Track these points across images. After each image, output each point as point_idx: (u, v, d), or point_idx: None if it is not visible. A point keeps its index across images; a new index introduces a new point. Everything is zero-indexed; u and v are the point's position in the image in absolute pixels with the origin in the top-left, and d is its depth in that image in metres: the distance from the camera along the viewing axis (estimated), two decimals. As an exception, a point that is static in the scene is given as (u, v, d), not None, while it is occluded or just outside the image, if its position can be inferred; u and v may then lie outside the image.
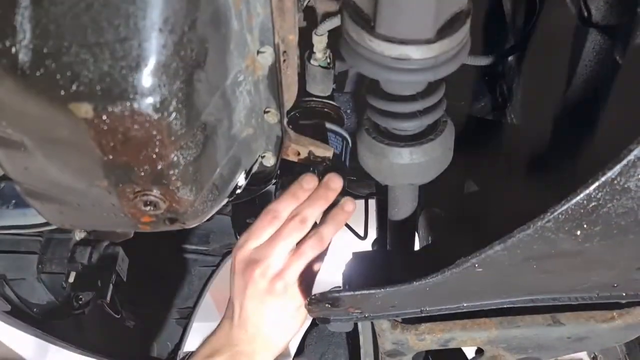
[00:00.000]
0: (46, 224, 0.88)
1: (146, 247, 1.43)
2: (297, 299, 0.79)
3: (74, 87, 0.48)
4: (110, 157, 0.54)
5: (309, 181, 0.78)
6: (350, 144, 0.96)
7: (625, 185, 0.55)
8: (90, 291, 1.15)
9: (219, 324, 0.83)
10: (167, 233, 0.69)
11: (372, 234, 1.19)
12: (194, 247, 1.52)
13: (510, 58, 1.24)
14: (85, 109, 0.49)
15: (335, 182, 0.78)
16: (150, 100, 0.50)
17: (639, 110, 0.64)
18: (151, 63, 0.49)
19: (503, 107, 1.26)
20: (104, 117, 0.50)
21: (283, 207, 0.78)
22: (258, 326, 0.79)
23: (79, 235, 1.16)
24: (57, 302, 1.17)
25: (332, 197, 0.79)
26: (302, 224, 0.77)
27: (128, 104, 0.49)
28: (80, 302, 1.15)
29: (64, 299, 1.16)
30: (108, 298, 1.14)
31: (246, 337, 0.80)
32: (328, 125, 0.89)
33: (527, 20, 1.10)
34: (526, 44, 1.06)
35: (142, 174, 0.57)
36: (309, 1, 0.92)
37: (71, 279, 1.14)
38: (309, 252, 0.77)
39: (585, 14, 0.83)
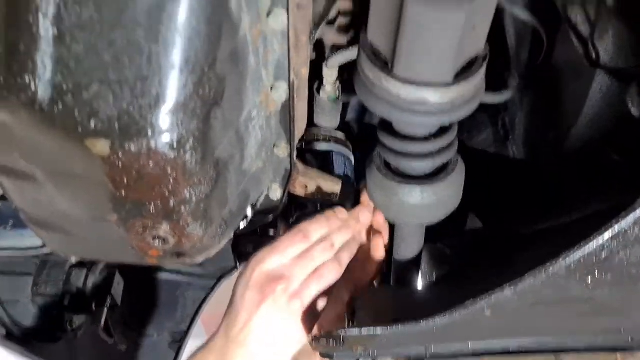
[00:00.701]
0: (44, 246, 0.87)
1: (140, 269, 1.42)
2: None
3: (92, 124, 0.48)
4: (123, 192, 0.53)
5: (342, 212, 0.81)
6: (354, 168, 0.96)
7: (639, 235, 0.55)
8: (84, 315, 1.13)
9: (209, 339, 0.78)
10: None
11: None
12: (188, 270, 1.50)
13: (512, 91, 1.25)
14: (101, 146, 0.49)
15: (366, 217, 0.81)
16: (167, 138, 0.50)
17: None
18: (170, 102, 0.48)
19: (505, 140, 1.26)
20: (120, 154, 0.49)
21: (315, 229, 0.78)
22: (262, 343, 0.75)
23: (75, 258, 1.14)
24: (50, 325, 1.14)
25: (361, 231, 0.81)
26: (331, 249, 0.78)
27: (145, 142, 0.49)
28: (74, 326, 1.13)
29: (57, 321, 1.14)
30: (102, 322, 1.12)
31: (245, 354, 0.75)
32: (334, 147, 0.89)
33: (531, 55, 1.11)
34: (531, 80, 1.07)
35: (154, 209, 0.56)
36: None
37: (66, 302, 1.12)
38: (328, 275, 0.77)
39: (593, 54, 0.83)
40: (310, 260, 0.76)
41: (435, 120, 0.58)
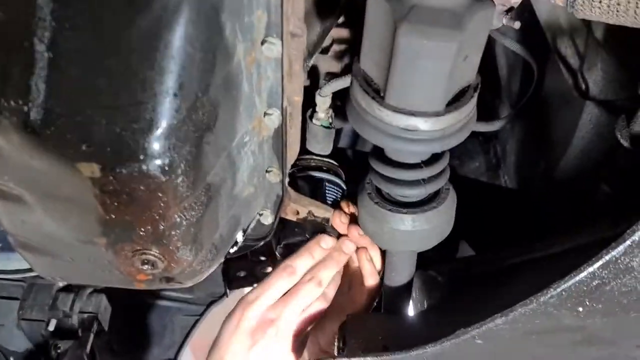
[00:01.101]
0: (31, 270, 0.85)
1: (129, 294, 1.40)
2: None
3: (83, 147, 0.48)
4: (112, 216, 0.53)
5: (327, 242, 0.81)
6: (345, 196, 0.96)
7: (629, 265, 0.56)
8: (70, 340, 1.11)
9: None
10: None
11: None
12: (177, 295, 1.48)
13: (503, 120, 1.26)
14: (92, 169, 0.49)
15: (348, 247, 0.81)
16: (159, 162, 0.49)
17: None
18: (163, 126, 0.48)
19: (496, 168, 1.27)
20: (111, 178, 0.49)
21: (300, 264, 0.79)
22: None
23: (62, 282, 1.13)
24: (35, 350, 1.12)
25: (344, 260, 0.81)
26: (318, 287, 0.78)
27: (136, 165, 0.49)
28: (59, 351, 1.11)
29: (42, 347, 1.12)
30: (88, 348, 1.10)
31: None
32: (326, 175, 0.89)
33: (522, 85, 1.13)
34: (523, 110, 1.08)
35: (143, 233, 0.56)
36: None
37: (51, 327, 1.10)
38: (317, 313, 0.80)
39: (583, 86, 0.85)
40: (299, 300, 0.77)
41: (426, 148, 0.58)
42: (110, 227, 0.55)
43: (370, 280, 0.83)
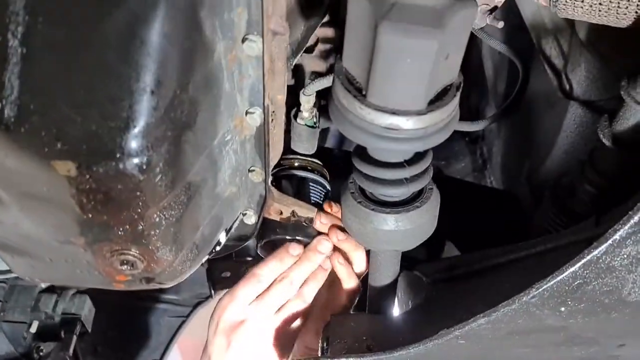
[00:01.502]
0: (10, 271, 0.84)
1: (113, 295, 1.38)
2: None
3: (58, 145, 0.47)
4: (90, 215, 0.52)
5: (295, 248, 0.82)
6: (330, 196, 0.95)
7: (611, 264, 0.56)
8: (52, 342, 1.09)
9: None
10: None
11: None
12: (163, 296, 1.47)
13: (490, 121, 1.27)
14: (68, 167, 0.48)
15: (324, 247, 0.82)
16: (136, 161, 0.49)
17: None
18: (140, 124, 0.48)
19: (483, 168, 1.27)
20: (87, 176, 0.48)
21: (267, 271, 0.81)
22: None
23: (45, 283, 1.11)
24: (16, 353, 1.10)
25: (319, 260, 0.82)
26: (290, 286, 0.80)
27: (113, 164, 0.48)
28: (41, 354, 1.10)
29: (24, 349, 1.10)
30: (71, 350, 1.08)
31: None
32: (310, 175, 0.88)
33: (509, 85, 1.13)
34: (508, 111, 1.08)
35: (122, 233, 0.55)
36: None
37: (33, 329, 1.08)
38: (293, 311, 0.81)
39: (567, 86, 0.85)
40: (270, 299, 0.80)
41: (409, 147, 0.57)
42: (88, 226, 0.54)
43: (348, 282, 0.83)
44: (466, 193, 1.10)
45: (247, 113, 0.63)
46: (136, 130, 0.47)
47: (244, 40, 0.56)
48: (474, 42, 1.31)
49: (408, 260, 0.88)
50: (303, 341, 0.82)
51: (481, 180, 1.25)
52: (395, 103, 0.55)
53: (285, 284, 0.80)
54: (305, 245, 0.83)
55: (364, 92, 0.56)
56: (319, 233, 0.83)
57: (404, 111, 0.55)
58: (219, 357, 0.79)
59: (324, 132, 1.29)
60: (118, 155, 0.48)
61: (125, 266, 0.59)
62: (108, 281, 0.62)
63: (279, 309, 0.80)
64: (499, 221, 1.03)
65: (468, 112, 1.10)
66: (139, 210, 0.52)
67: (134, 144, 0.48)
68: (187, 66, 0.49)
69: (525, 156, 1.06)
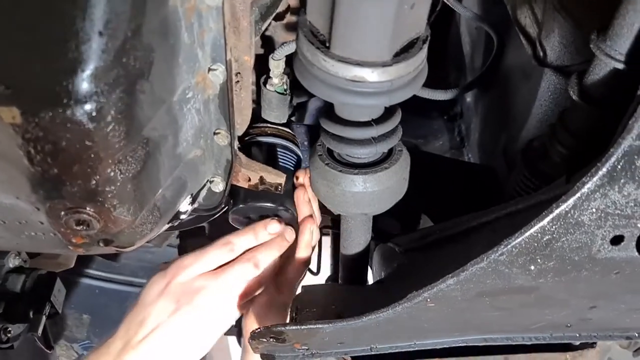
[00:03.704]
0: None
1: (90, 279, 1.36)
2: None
3: (1, 89, 0.44)
4: (39, 168, 0.50)
5: (274, 227, 0.80)
6: (301, 164, 0.93)
7: (579, 219, 0.54)
8: (20, 323, 1.07)
9: (106, 341, 0.75)
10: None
11: (325, 270, 1.15)
12: (140, 280, 1.44)
13: (468, 99, 1.26)
14: (13, 114, 0.46)
15: (291, 236, 0.81)
16: (86, 107, 0.46)
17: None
18: (89, 68, 0.45)
19: (460, 146, 1.26)
20: (33, 124, 0.46)
21: (242, 243, 0.78)
22: (164, 354, 0.73)
23: (13, 263, 1.08)
24: (-17, 335, 1.07)
25: (285, 248, 0.81)
26: (255, 269, 0.77)
27: (60, 110, 0.46)
28: (9, 335, 1.07)
29: (-9, 331, 1.07)
30: (40, 331, 1.05)
31: None
32: (281, 141, 0.86)
33: (485, 60, 1.12)
34: (483, 83, 1.07)
35: (75, 189, 0.52)
36: (267, 28, 0.91)
37: (0, 309, 1.05)
38: (250, 293, 0.79)
39: (541, 54, 0.84)
40: (231, 275, 0.76)
41: (375, 101, 0.56)
42: (39, 181, 0.52)
43: (303, 251, 0.82)
44: (442, 167, 1.09)
45: (209, 70, 0.61)
46: (84, 73, 0.45)
47: (202, -12, 0.54)
48: (452, 19, 1.30)
49: (384, 235, 0.87)
50: (255, 310, 0.80)
51: (459, 157, 1.23)
52: (360, 54, 0.53)
53: (252, 265, 0.77)
54: (284, 220, 0.82)
55: (327, 45, 0.55)
56: (292, 200, 0.82)
57: (368, 62, 0.54)
58: (157, 321, 0.72)
59: (302, 111, 1.28)
60: (65, 101, 0.45)
61: (81, 226, 0.56)
62: (64, 244, 0.59)
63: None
64: (475, 195, 1.02)
65: (445, 88, 1.08)
66: (91, 163, 0.50)
67: (82, 88, 0.45)
68: (138, 8, 0.47)
69: (502, 130, 1.05)
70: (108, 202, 0.55)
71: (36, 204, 0.54)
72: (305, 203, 0.82)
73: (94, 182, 0.52)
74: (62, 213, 0.55)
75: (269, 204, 0.80)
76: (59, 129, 0.47)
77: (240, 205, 0.79)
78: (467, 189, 1.02)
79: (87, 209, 0.55)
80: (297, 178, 0.84)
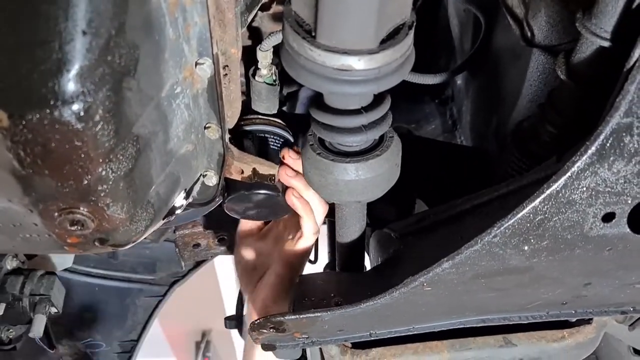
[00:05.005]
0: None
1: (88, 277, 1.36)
2: None
3: (-14, 93, 0.44)
4: (30, 171, 0.50)
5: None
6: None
7: (571, 198, 0.55)
8: (21, 325, 1.07)
9: None
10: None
11: (323, 258, 1.16)
12: (139, 276, 1.45)
13: (459, 82, 1.26)
14: (0, 117, 0.45)
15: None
16: (73, 108, 0.46)
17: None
18: (74, 67, 0.45)
19: (453, 129, 1.26)
20: (21, 127, 0.46)
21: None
22: None
23: (10, 264, 1.08)
24: (-15, 337, 1.08)
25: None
26: None
27: (48, 111, 0.46)
28: (11, 337, 1.07)
29: (-8, 333, 1.08)
30: (41, 332, 1.06)
31: None
32: (269, 128, 0.86)
33: (474, 43, 1.12)
34: (472, 65, 1.07)
35: (67, 190, 0.52)
36: (254, 19, 0.90)
37: (0, 312, 1.05)
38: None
39: (529, 34, 0.84)
40: None
41: (362, 89, 0.56)
42: (30, 184, 0.52)
43: (306, 223, 0.85)
44: (435, 151, 1.09)
45: (197, 64, 0.61)
46: (69, 73, 0.45)
47: (184, -18, 0.53)
48: (440, 2, 1.30)
49: (380, 221, 0.87)
50: (260, 294, 0.83)
51: (452, 141, 1.24)
52: (346, 42, 0.53)
53: None
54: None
55: (313, 34, 0.55)
56: (284, 188, 0.82)
57: (355, 50, 0.54)
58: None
59: (293, 101, 1.27)
60: (52, 102, 0.45)
61: (76, 226, 0.56)
62: (60, 244, 0.59)
63: None
64: (468, 177, 1.03)
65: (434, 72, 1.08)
66: (82, 163, 0.50)
67: (68, 88, 0.45)
68: (120, 6, 0.47)
69: (493, 112, 1.05)
70: (101, 201, 0.55)
71: (29, 206, 0.54)
72: (290, 178, 0.82)
73: (85, 181, 0.52)
74: (56, 214, 0.55)
75: (264, 191, 0.80)
76: (47, 131, 0.47)
77: (235, 195, 0.79)
78: (460, 171, 1.02)
79: (81, 208, 0.55)
80: (283, 157, 0.83)
